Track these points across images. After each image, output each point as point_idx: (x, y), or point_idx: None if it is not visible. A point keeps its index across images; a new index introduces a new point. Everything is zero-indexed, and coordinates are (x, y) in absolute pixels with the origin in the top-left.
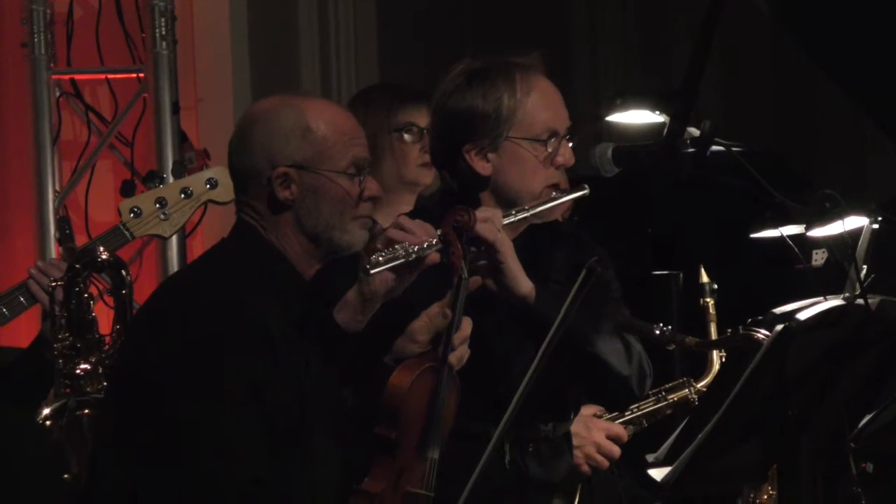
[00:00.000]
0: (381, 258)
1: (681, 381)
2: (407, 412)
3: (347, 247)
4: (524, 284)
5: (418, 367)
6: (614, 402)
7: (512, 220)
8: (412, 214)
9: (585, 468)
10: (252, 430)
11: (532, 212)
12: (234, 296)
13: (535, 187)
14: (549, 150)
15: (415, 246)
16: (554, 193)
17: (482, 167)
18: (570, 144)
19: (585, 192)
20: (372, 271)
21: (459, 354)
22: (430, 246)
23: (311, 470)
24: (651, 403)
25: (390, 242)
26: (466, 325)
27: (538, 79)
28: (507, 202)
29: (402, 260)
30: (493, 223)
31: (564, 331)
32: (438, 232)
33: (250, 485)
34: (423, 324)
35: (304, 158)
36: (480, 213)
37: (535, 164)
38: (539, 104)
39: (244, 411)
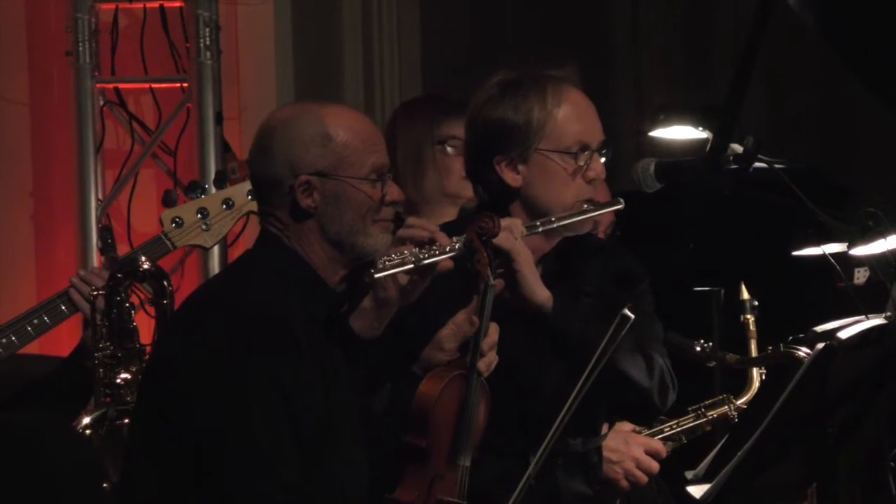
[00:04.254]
0: (388, 262)
1: (721, 397)
2: (437, 420)
3: (371, 251)
4: (540, 294)
5: (447, 375)
6: (636, 415)
7: (536, 231)
8: (444, 227)
9: (624, 483)
10: (280, 435)
11: (558, 224)
12: (258, 303)
13: (566, 200)
14: (580, 163)
15: (425, 252)
16: (585, 206)
17: (512, 179)
18: (603, 160)
19: (620, 206)
20: (376, 275)
21: (488, 361)
22: (441, 252)
23: (340, 474)
24: (691, 420)
25: (400, 242)
26: (494, 332)
27: (570, 91)
28: (538, 214)
29: (410, 266)
30: (511, 232)
31: (586, 346)
32: (459, 240)
33: (280, 490)
34: (451, 332)
35: (326, 166)
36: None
37: (565, 177)
38: (570, 116)
39: (272, 417)
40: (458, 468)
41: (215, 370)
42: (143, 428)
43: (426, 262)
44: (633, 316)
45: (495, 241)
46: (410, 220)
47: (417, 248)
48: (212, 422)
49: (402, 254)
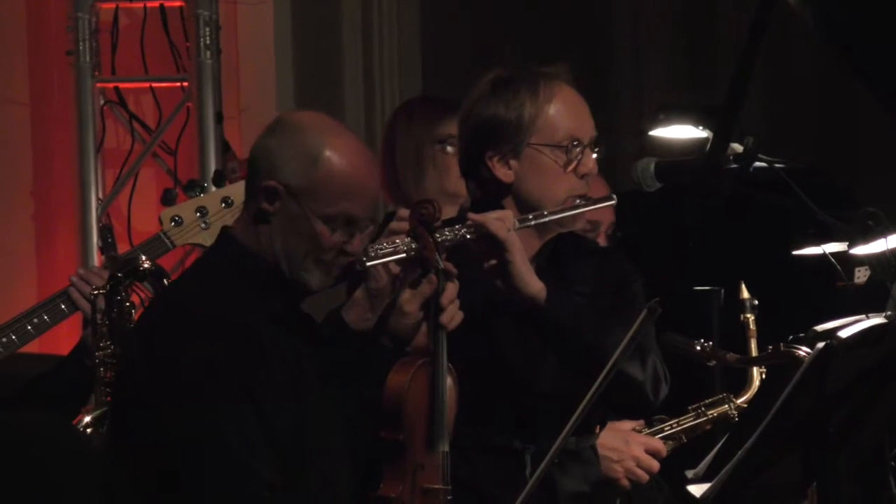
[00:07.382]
0: (380, 251)
1: (721, 396)
2: (409, 411)
3: (305, 286)
4: (533, 285)
5: (413, 365)
6: (629, 407)
7: (528, 224)
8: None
9: (625, 482)
10: (255, 437)
11: (550, 218)
12: (216, 307)
13: (558, 195)
14: (572, 157)
15: (415, 243)
16: (578, 201)
17: (504, 174)
18: (595, 155)
19: (612, 202)
20: (368, 263)
21: (450, 315)
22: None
23: (326, 469)
24: (691, 419)
25: (392, 234)
26: (452, 288)
27: (562, 87)
28: (530, 209)
29: (402, 255)
30: (504, 222)
31: (578, 338)
32: (457, 228)
33: (264, 491)
34: (409, 294)
35: (297, 185)
36: (493, 213)
37: (556, 171)
38: (561, 111)
39: (244, 420)
40: (438, 454)
41: (182, 383)
42: (120, 442)
43: (417, 252)
44: (660, 309)
45: (491, 229)
46: (402, 212)
47: (410, 238)
48: (186, 435)
49: (394, 243)
